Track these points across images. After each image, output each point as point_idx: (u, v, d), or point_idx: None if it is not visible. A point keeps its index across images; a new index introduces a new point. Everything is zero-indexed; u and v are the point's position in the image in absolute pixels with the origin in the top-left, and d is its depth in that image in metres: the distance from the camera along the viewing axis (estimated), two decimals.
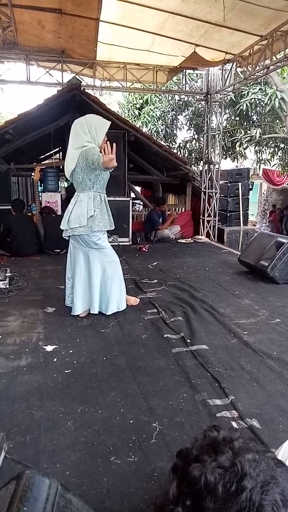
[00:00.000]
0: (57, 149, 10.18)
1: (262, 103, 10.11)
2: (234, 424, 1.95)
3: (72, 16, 5.31)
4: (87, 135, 3.10)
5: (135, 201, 9.38)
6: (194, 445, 1.00)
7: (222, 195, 8.11)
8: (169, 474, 0.99)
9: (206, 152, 7.88)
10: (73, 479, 1.58)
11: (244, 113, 10.45)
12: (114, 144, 2.94)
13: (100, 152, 3.05)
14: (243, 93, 10.19)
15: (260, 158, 11.38)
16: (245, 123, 11.13)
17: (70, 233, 3.23)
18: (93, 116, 3.24)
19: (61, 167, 7.43)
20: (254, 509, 0.81)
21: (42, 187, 7.49)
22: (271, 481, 0.87)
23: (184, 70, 7.42)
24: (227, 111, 11.02)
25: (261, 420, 1.97)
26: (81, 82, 7.06)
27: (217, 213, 7.91)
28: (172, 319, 3.34)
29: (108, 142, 2.99)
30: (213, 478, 0.86)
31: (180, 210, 8.47)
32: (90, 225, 3.14)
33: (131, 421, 1.96)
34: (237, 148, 11.56)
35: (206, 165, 7.88)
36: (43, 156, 10.78)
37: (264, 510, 0.81)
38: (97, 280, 3.33)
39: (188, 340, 2.92)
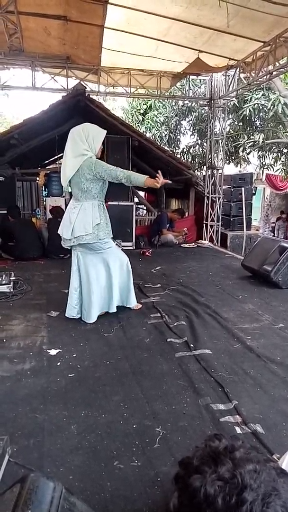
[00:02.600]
0: (62, 154, 10.24)
1: (265, 108, 10.14)
2: (237, 429, 1.94)
3: (77, 23, 5.38)
4: (85, 144, 3.12)
5: (139, 206, 9.41)
6: (195, 454, 0.99)
7: (225, 200, 8.12)
8: (171, 483, 0.99)
9: (210, 157, 7.91)
10: (77, 483, 1.58)
11: (247, 118, 10.48)
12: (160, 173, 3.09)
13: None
14: (246, 98, 10.23)
15: (263, 163, 11.39)
16: (248, 128, 11.16)
17: (75, 242, 3.20)
18: (90, 125, 3.26)
19: None
20: None
21: (47, 192, 7.54)
22: (272, 493, 0.86)
23: (188, 76, 7.47)
24: (230, 116, 11.06)
25: (264, 425, 1.97)
26: (85, 88, 7.12)
27: (220, 217, 7.92)
28: (175, 324, 3.34)
29: (159, 171, 3.12)
30: (213, 490, 0.86)
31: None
32: (96, 233, 3.16)
33: (134, 426, 1.96)
34: (240, 153, 11.57)
35: (210, 170, 7.90)
36: (47, 161, 10.84)
37: None
38: (117, 277, 3.42)
39: (192, 345, 2.92)
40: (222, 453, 0.97)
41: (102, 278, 3.40)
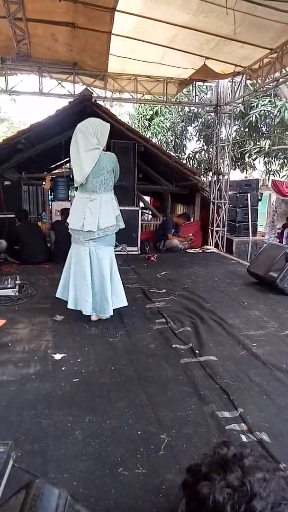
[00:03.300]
0: (68, 158, 10.31)
1: (271, 115, 10.17)
2: (243, 437, 1.92)
3: (85, 29, 5.43)
4: (94, 138, 3.16)
5: (144, 211, 9.43)
6: (204, 461, 0.99)
7: (231, 205, 8.10)
8: (178, 490, 0.98)
9: (215, 163, 7.91)
10: (81, 489, 1.57)
11: (254, 124, 10.51)
12: None
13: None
14: (252, 105, 10.26)
15: (269, 169, 11.39)
16: (254, 135, 11.18)
17: (101, 234, 3.20)
18: (95, 119, 3.30)
19: (71, 176, 7.52)
20: None
21: (53, 196, 7.58)
22: (282, 502, 0.86)
23: (194, 82, 7.50)
24: (236, 122, 11.09)
25: (270, 433, 1.94)
26: (92, 93, 7.18)
27: (226, 223, 7.91)
28: (180, 329, 3.33)
29: None
30: (222, 498, 0.85)
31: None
32: (117, 223, 3.28)
33: (139, 432, 1.95)
34: (246, 159, 11.60)
35: (215, 176, 7.90)
36: (53, 166, 10.93)
37: None
38: (117, 273, 3.51)
39: (197, 351, 2.90)
40: (231, 460, 0.96)
41: (109, 273, 3.41)
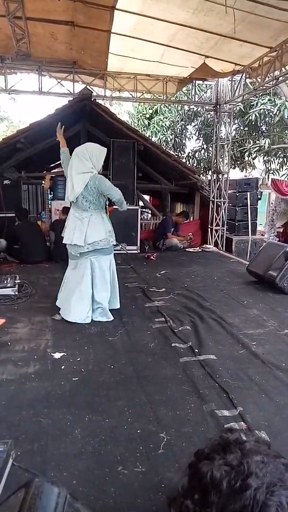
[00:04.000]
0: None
1: (271, 113, 10.16)
2: (242, 436, 1.92)
3: (84, 28, 5.42)
4: (89, 162, 3.39)
5: (144, 210, 9.42)
6: (207, 444, 1.05)
7: (230, 204, 8.10)
8: (185, 469, 1.04)
9: (215, 161, 7.91)
10: (80, 488, 1.57)
11: (253, 123, 10.50)
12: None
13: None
14: (252, 103, 10.25)
15: (269, 168, 11.39)
16: (254, 133, 11.18)
17: (90, 248, 3.40)
18: (92, 144, 3.55)
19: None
20: (258, 508, 0.83)
21: (52, 195, 7.58)
22: (277, 483, 0.89)
23: (194, 81, 7.49)
24: (236, 121, 11.08)
25: (269, 432, 1.94)
26: (92, 92, 7.17)
27: (226, 222, 7.91)
28: (180, 328, 3.33)
29: None
30: (219, 474, 0.90)
31: (188, 220, 8.48)
32: (109, 239, 3.47)
33: (138, 431, 1.95)
34: (246, 158, 11.59)
35: (215, 175, 7.90)
36: (53, 165, 10.90)
37: (269, 510, 0.83)
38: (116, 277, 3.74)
39: (196, 350, 2.90)
40: (232, 443, 1.02)
41: (109, 279, 3.63)
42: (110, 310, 3.62)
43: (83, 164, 3.37)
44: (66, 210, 6.39)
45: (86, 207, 3.41)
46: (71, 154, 3.50)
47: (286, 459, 0.99)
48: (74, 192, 3.37)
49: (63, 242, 3.53)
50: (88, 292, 3.48)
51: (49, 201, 7.37)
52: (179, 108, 12.38)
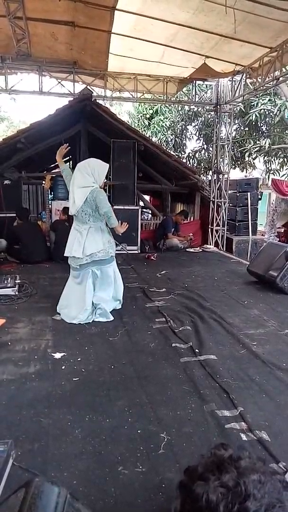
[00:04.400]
0: (68, 158, 10.31)
1: (271, 113, 10.16)
2: (243, 436, 1.93)
3: (85, 28, 5.42)
4: (91, 177, 3.47)
5: (144, 210, 9.42)
6: (200, 462, 0.99)
7: (230, 204, 8.10)
8: (175, 491, 0.98)
9: (215, 162, 7.91)
10: (81, 488, 1.57)
11: (253, 123, 10.49)
12: (127, 224, 3.68)
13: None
14: (252, 103, 10.24)
15: (269, 168, 11.38)
16: (254, 134, 11.17)
17: (89, 260, 3.45)
18: (94, 160, 3.60)
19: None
20: None
21: (53, 195, 7.57)
22: (276, 504, 0.85)
23: (194, 81, 7.49)
24: (236, 121, 11.08)
25: (270, 432, 1.94)
26: (92, 92, 7.17)
27: (226, 222, 7.90)
28: (180, 328, 3.33)
29: (126, 223, 3.68)
30: (215, 497, 0.85)
31: (188, 219, 8.48)
32: (108, 250, 3.53)
33: (139, 431, 1.95)
34: (246, 158, 11.58)
35: (215, 175, 7.90)
36: (53, 165, 10.90)
37: None
38: (118, 280, 3.83)
39: (197, 350, 2.90)
40: (227, 461, 0.96)
41: (112, 284, 3.73)
42: (112, 310, 3.65)
43: (85, 179, 3.45)
44: (66, 210, 6.41)
45: (85, 220, 3.48)
46: (72, 168, 3.60)
47: (281, 476, 0.96)
48: (75, 206, 3.45)
49: (64, 255, 3.59)
50: (90, 301, 3.54)
51: (49, 201, 7.37)
52: (179, 108, 12.38)
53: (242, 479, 0.89)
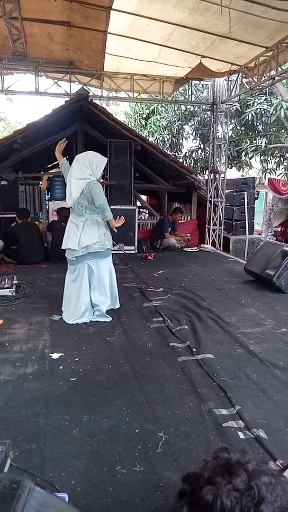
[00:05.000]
0: (65, 157, 10.30)
1: (267, 113, 10.16)
2: (240, 434, 1.93)
3: (81, 28, 5.41)
4: (89, 169, 3.45)
5: (141, 210, 9.42)
6: (205, 467, 0.94)
7: (227, 204, 8.11)
8: (176, 500, 0.94)
9: (212, 161, 7.92)
10: (79, 488, 1.57)
11: (250, 123, 10.50)
12: (123, 219, 3.66)
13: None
14: (248, 103, 10.25)
15: (266, 167, 11.39)
16: (250, 133, 11.18)
17: (85, 252, 3.43)
18: (93, 153, 3.58)
19: None
20: None
21: (49, 196, 7.56)
22: (287, 507, 0.83)
23: (190, 81, 7.50)
24: (232, 121, 11.08)
25: (267, 430, 1.95)
26: (88, 92, 7.15)
27: (223, 222, 7.91)
28: (177, 328, 3.34)
29: (122, 217, 3.65)
30: (229, 502, 0.82)
31: (185, 219, 8.49)
32: (104, 242, 3.49)
33: (136, 430, 1.95)
34: (243, 158, 11.59)
35: (212, 174, 7.91)
36: (50, 165, 10.89)
37: None
38: (114, 279, 3.79)
39: (194, 349, 2.91)
40: (235, 464, 0.93)
41: (108, 281, 3.67)
42: (109, 310, 3.65)
43: (82, 171, 3.43)
44: (59, 211, 6.42)
45: (82, 212, 3.46)
46: (70, 162, 3.56)
47: (286, 478, 0.94)
48: (72, 198, 3.44)
49: (61, 247, 3.58)
50: (87, 297, 3.53)
51: (46, 202, 7.36)
52: (176, 108, 12.37)
53: (254, 481, 0.86)
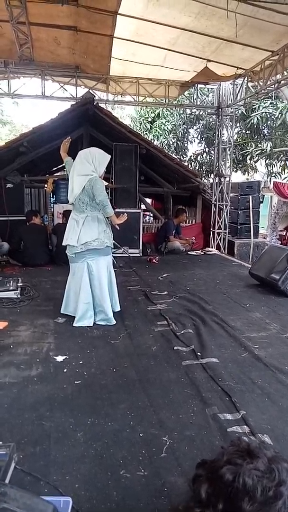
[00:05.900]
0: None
1: (273, 117, 10.17)
2: (245, 439, 1.92)
3: (87, 33, 5.46)
4: (91, 165, 3.43)
5: (146, 213, 9.43)
6: (224, 452, 0.97)
7: (232, 207, 8.10)
8: (189, 485, 0.98)
9: (217, 165, 7.92)
10: (83, 492, 1.57)
11: (255, 126, 10.52)
12: (126, 216, 3.66)
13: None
14: (254, 107, 10.26)
15: (271, 171, 11.39)
16: (256, 137, 11.19)
17: (83, 248, 3.40)
18: (96, 149, 3.59)
19: None
20: None
21: (55, 199, 7.59)
22: None
23: (196, 85, 7.52)
24: (238, 124, 11.10)
25: (272, 436, 1.94)
26: (94, 96, 7.19)
27: (228, 225, 7.91)
28: (182, 331, 3.33)
29: (125, 214, 3.65)
30: (251, 480, 0.84)
31: (190, 222, 8.49)
32: (103, 240, 3.44)
33: (140, 434, 1.95)
34: (248, 161, 11.60)
35: (217, 178, 7.91)
36: (55, 168, 10.93)
37: None
38: (114, 280, 3.74)
39: (199, 353, 2.90)
40: (255, 448, 0.96)
41: (107, 282, 3.61)
42: (114, 313, 3.62)
43: (85, 167, 3.42)
44: (66, 214, 6.43)
45: (83, 208, 3.44)
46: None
47: None
48: (73, 194, 3.43)
49: (62, 244, 3.58)
50: (88, 296, 3.50)
51: (52, 205, 7.39)
52: (181, 112, 12.41)
53: (274, 464, 0.89)
